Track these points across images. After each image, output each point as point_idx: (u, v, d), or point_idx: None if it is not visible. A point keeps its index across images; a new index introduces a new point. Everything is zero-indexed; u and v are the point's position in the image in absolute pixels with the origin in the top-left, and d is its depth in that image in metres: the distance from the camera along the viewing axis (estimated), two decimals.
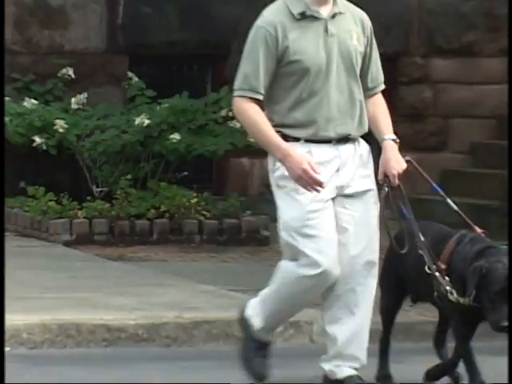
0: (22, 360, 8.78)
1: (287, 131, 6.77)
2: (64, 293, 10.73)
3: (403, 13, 16.61)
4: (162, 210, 13.59)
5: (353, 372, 7.00)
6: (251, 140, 13.48)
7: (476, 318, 7.14)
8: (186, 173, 14.22)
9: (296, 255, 6.86)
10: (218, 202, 14.08)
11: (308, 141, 6.80)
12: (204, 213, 13.70)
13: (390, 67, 14.91)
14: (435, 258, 6.98)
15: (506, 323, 6.74)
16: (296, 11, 6.80)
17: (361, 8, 7.28)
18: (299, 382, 8.27)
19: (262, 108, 6.81)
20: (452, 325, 7.37)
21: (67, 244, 13.14)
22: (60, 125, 13.72)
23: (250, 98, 6.75)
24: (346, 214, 6.90)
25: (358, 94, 6.98)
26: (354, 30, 7.06)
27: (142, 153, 14.08)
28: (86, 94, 14.19)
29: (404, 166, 6.94)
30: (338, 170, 6.78)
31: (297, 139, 6.75)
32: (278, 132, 6.74)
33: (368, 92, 7.03)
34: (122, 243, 13.26)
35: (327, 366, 7.06)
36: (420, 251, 6.93)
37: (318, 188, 6.59)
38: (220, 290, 11.15)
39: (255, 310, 7.21)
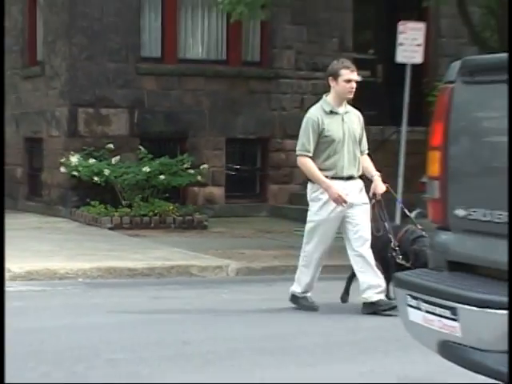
0: (87, 285, 9.24)
1: (321, 171, 7.29)
2: (107, 252, 10.81)
3: (270, 118, 15.27)
4: (155, 212, 13.33)
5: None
6: (198, 179, 14.27)
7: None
8: (167, 194, 13.95)
9: (311, 238, 7.46)
10: (182, 209, 13.79)
11: (332, 177, 7.26)
12: (176, 214, 13.48)
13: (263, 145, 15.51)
14: (394, 239, 7.47)
15: None
16: (327, 109, 7.43)
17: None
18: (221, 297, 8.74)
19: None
20: (391, 270, 7.35)
21: (110, 229, 12.98)
22: (106, 171, 13.54)
23: (306, 155, 7.35)
24: (351, 216, 7.37)
25: (358, 153, 7.47)
26: (355, 120, 7.60)
27: (146, 185, 13.69)
28: (119, 157, 14.00)
29: (384, 189, 7.51)
30: (347, 195, 7.24)
31: (326, 176, 7.23)
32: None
33: (361, 153, 7.56)
34: (136, 228, 13.04)
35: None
36: (389, 235, 7.50)
37: (344, 204, 7.16)
38: (183, 251, 11.15)
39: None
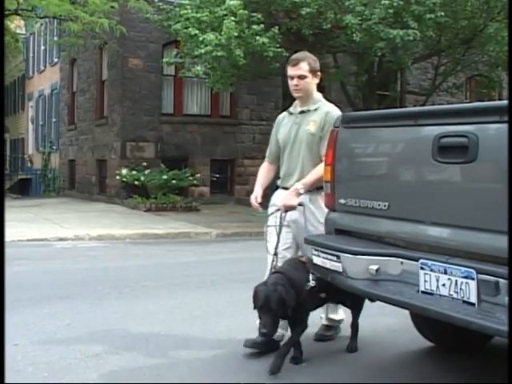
0: (131, 243, 8.82)
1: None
2: (142, 224, 10.48)
3: (235, 148, 15.12)
4: (170, 201, 13.05)
5: None
6: (194, 182, 13.83)
7: None
8: (177, 191, 13.52)
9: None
10: (185, 200, 13.44)
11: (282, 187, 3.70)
12: (182, 202, 13.18)
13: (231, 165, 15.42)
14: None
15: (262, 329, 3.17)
16: (290, 110, 3.70)
17: None
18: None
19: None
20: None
21: (144, 211, 12.56)
22: (142, 178, 13.44)
23: (266, 160, 3.76)
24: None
25: (306, 160, 3.57)
26: (316, 120, 3.55)
27: (165, 186, 13.39)
28: (149, 170, 13.71)
29: (290, 203, 3.47)
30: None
31: (277, 185, 3.77)
32: None
33: (320, 158, 3.46)
34: (159, 211, 12.57)
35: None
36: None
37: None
38: (186, 223, 10.79)
39: None
